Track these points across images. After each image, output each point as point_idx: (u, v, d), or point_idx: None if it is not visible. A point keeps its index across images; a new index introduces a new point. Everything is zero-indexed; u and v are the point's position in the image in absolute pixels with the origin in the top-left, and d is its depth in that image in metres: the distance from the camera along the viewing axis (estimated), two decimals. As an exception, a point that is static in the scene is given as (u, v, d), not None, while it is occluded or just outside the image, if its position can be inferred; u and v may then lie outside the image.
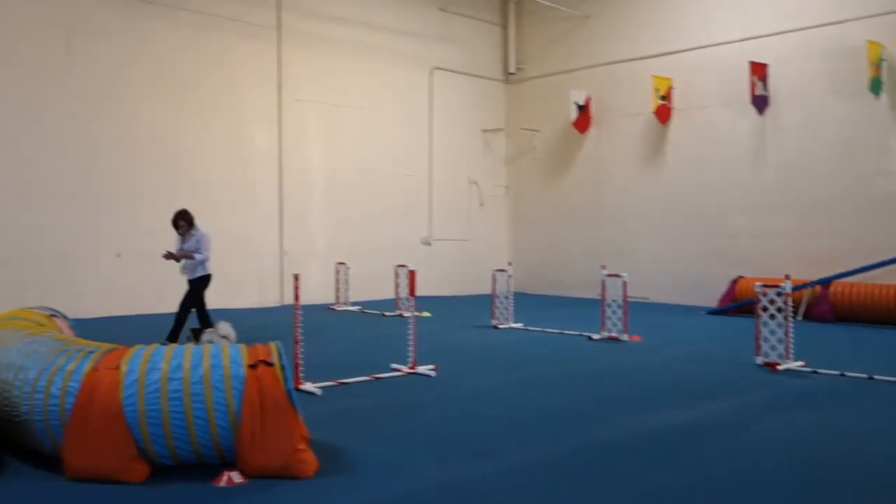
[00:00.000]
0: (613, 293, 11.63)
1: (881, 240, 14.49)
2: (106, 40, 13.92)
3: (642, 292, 17.43)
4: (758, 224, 16.38)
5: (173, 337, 9.45)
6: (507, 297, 12.97)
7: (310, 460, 4.88)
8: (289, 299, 15.48)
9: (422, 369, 8.46)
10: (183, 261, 9.82)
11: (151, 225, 12.68)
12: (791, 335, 9.09)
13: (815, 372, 8.80)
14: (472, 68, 20.23)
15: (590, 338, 11.48)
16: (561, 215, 20.23)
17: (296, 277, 7.88)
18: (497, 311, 12.98)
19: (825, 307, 14.22)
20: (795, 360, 9.13)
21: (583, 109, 19.20)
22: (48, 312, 7.32)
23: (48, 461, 4.93)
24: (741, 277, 15.71)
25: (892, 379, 8.41)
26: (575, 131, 19.49)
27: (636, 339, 11.33)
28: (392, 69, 18.42)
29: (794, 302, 13.44)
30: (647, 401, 7.31)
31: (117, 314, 13.48)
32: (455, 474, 4.96)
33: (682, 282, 17.47)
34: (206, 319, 9.91)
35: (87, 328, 8.66)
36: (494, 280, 13.06)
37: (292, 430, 4.86)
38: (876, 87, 14.37)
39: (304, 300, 8.09)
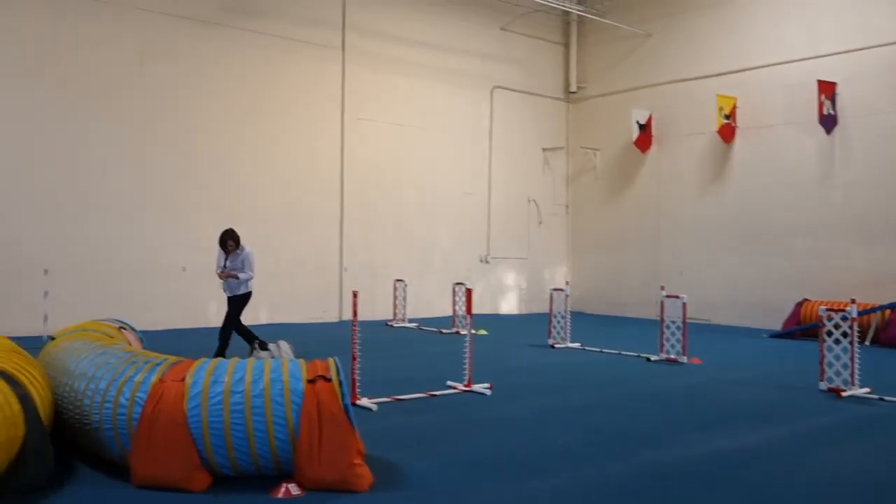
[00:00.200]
0: (673, 314, 11.49)
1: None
2: (176, 61, 14.43)
3: (703, 314, 17.16)
4: (824, 245, 15.98)
5: (221, 354, 9.60)
6: (564, 317, 12.92)
7: (365, 475, 4.97)
8: (347, 315, 15.69)
9: (477, 387, 8.50)
10: (227, 280, 9.96)
11: (215, 241, 13.02)
12: (857, 361, 8.86)
13: (881, 399, 8.55)
14: (532, 87, 20.29)
15: (648, 359, 11.36)
16: (621, 234, 20.07)
17: (354, 294, 8.01)
18: (554, 331, 12.94)
19: (894, 332, 13.78)
20: (861, 386, 8.87)
21: (644, 128, 19.06)
22: (118, 324, 7.62)
23: (116, 468, 5.12)
24: (806, 300, 15.34)
25: None
26: (636, 150, 19.36)
27: (696, 361, 11.17)
28: (453, 88, 18.61)
29: (861, 326, 13.11)
30: (705, 424, 7.22)
31: (182, 327, 13.87)
32: (508, 493, 4.99)
33: (745, 304, 17.13)
34: (247, 334, 10.07)
35: (154, 340, 8.96)
36: (552, 299, 13.03)
37: (349, 445, 4.96)
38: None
39: (362, 316, 8.21)
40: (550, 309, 13.08)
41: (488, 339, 13.67)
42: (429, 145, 18.14)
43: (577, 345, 12.74)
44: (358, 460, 5.01)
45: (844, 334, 8.86)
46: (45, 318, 11.65)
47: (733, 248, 17.57)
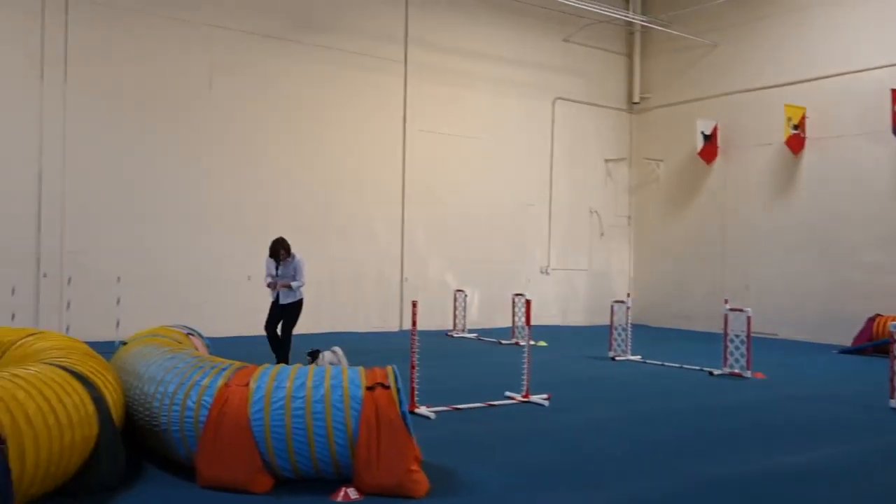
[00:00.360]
0: (737, 328, 11.28)
1: None
2: (244, 76, 14.84)
3: (770, 328, 16.78)
4: (896, 259, 15.52)
5: (284, 360, 9.80)
6: (625, 329, 12.82)
7: (422, 481, 5.05)
8: (408, 325, 15.77)
9: (535, 398, 8.52)
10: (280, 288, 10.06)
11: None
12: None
13: (955, 418, 8.28)
14: (595, 98, 20.21)
15: (710, 373, 11.19)
16: (684, 247, 19.78)
17: (414, 304, 8.11)
18: (615, 343, 12.84)
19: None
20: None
21: (709, 139, 18.79)
22: (186, 331, 7.88)
23: (183, 469, 5.31)
24: (878, 315, 14.87)
25: None
26: (700, 161, 19.09)
27: (760, 376, 10.95)
28: (514, 100, 18.67)
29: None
30: (766, 440, 7.10)
31: (247, 334, 14.19)
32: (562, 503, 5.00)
33: (814, 318, 16.68)
34: (275, 343, 10.16)
35: (220, 346, 9.22)
36: (613, 311, 12.94)
37: (406, 451, 5.05)
38: None
39: (422, 326, 8.31)
40: (611, 321, 12.98)
41: (548, 350, 13.64)
42: (490, 157, 18.22)
43: (638, 357, 12.61)
44: (415, 466, 5.09)
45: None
46: (118, 324, 12.09)
47: (802, 261, 17.15)
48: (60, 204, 13.00)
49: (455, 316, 16.07)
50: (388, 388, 5.15)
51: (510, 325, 15.49)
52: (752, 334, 11.22)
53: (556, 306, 19.14)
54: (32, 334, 6.87)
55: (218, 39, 14.56)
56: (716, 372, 11.19)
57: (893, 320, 9.08)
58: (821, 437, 7.36)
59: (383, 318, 16.52)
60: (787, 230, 17.48)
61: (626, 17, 18.67)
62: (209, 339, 8.29)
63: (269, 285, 10.12)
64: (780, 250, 17.60)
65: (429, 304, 15.60)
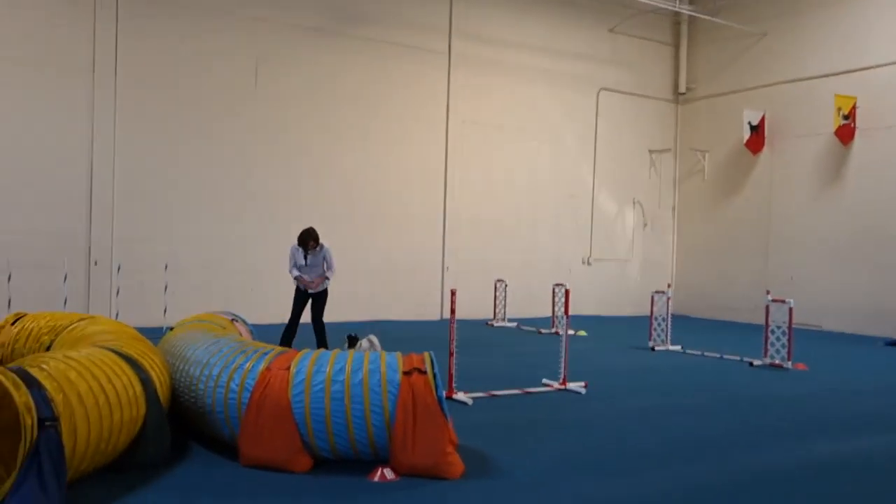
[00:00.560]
0: (779, 319, 11.17)
1: None
2: (288, 68, 15.07)
3: (815, 319, 16.54)
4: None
5: (323, 345, 9.88)
6: (665, 320, 12.78)
7: (457, 463, 5.17)
8: (448, 314, 15.96)
9: (572, 386, 8.57)
10: (310, 276, 10.03)
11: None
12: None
13: None
14: (640, 88, 20.05)
15: (751, 364, 11.11)
16: (729, 238, 19.57)
17: (453, 293, 8.22)
18: (654, 333, 12.81)
19: None
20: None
21: (756, 130, 18.53)
22: (230, 317, 8.11)
23: (226, 449, 5.50)
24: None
25: None
26: (747, 152, 18.84)
27: (801, 367, 10.84)
28: (558, 91, 18.62)
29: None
30: (803, 431, 7.05)
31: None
32: (595, 490, 5.07)
33: (860, 310, 16.41)
34: (294, 330, 10.18)
35: (263, 333, 9.44)
36: (653, 301, 12.90)
37: (442, 434, 5.16)
38: None
39: (462, 315, 8.41)
40: (651, 311, 12.95)
41: (587, 339, 13.66)
42: (533, 147, 18.23)
43: (677, 348, 12.56)
44: (450, 449, 5.21)
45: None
46: (165, 311, 12.43)
47: (848, 253, 16.86)
48: (110, 194, 13.40)
49: (495, 305, 16.15)
50: (424, 373, 5.26)
51: (550, 314, 15.52)
52: (795, 326, 11.11)
53: (598, 297, 19.09)
54: (84, 319, 7.14)
55: (263, 32, 14.80)
56: (756, 362, 11.12)
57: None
58: (862, 428, 7.29)
59: (424, 307, 16.66)
60: (834, 221, 17.18)
61: (672, 7, 18.47)
62: (253, 325, 8.50)
63: (296, 278, 10.05)
64: (826, 242, 17.31)
65: (469, 294, 15.67)
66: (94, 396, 4.63)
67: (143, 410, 5.11)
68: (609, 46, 19.43)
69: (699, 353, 12.19)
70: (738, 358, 11.57)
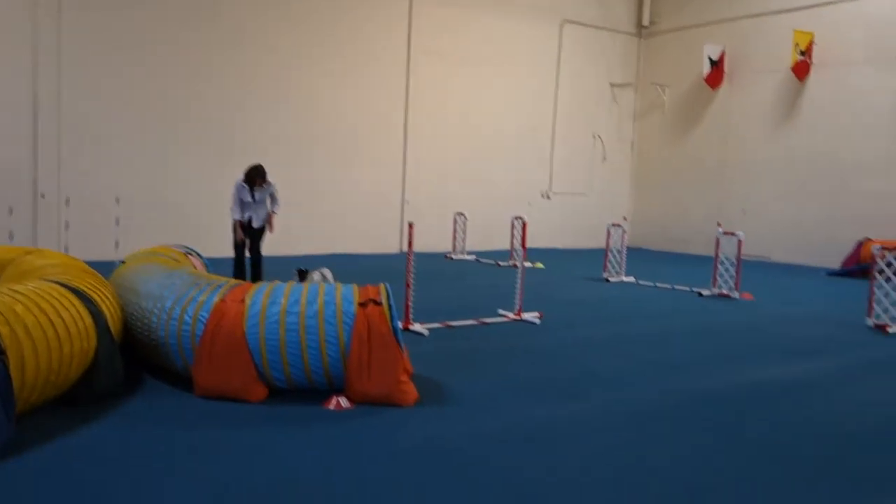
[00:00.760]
0: (729, 251, 11.42)
1: None
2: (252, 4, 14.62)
3: (766, 252, 16.93)
4: (893, 187, 15.54)
5: (258, 278, 9.70)
6: (619, 252, 12.96)
7: (410, 391, 5.25)
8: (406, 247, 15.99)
9: (527, 316, 8.70)
10: (255, 212, 9.78)
11: (286, 172, 13.36)
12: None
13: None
14: (603, 21, 19.88)
15: (699, 294, 11.38)
16: (685, 172, 19.78)
17: (410, 225, 8.21)
18: (609, 265, 12.99)
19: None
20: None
21: (716, 65, 18.58)
22: (184, 250, 8.00)
23: (180, 380, 5.50)
24: (868, 240, 15.01)
25: None
26: (706, 87, 18.92)
27: (748, 296, 11.14)
28: (521, 23, 18.38)
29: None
30: (747, 357, 7.32)
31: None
32: (545, 413, 5.20)
33: (807, 242, 16.84)
34: (243, 263, 10.00)
35: (218, 266, 9.35)
36: (608, 234, 13.05)
37: (396, 364, 5.22)
38: None
39: (421, 248, 8.44)
40: (607, 244, 13.12)
41: (545, 271, 13.81)
42: (494, 80, 18.07)
43: (631, 279, 12.79)
44: (404, 378, 5.28)
45: (897, 272, 8.82)
46: (117, 244, 12.24)
47: (799, 186, 17.19)
48: (56, 124, 12.98)
49: (454, 238, 16.20)
50: (380, 304, 5.29)
51: (509, 247, 15.63)
52: (746, 257, 11.38)
53: (556, 230, 19.26)
54: (30, 253, 7.00)
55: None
56: (705, 293, 11.38)
57: (880, 244, 9.24)
58: (800, 352, 7.59)
59: (382, 240, 16.66)
60: (787, 157, 17.45)
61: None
62: (207, 259, 8.41)
63: (235, 224, 9.70)
64: (779, 176, 17.60)
65: (428, 227, 15.72)
66: (42, 329, 4.57)
67: (94, 343, 5.06)
68: (572, -23, 19.20)
69: (652, 284, 12.43)
70: (688, 289, 11.83)
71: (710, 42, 18.58)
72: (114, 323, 5.48)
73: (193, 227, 13.82)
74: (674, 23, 20.10)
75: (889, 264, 8.89)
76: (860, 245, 15.11)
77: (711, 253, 11.92)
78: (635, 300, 10.86)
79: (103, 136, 13.39)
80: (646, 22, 20.53)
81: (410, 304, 7.88)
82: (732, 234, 11.37)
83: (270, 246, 13.86)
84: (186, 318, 5.38)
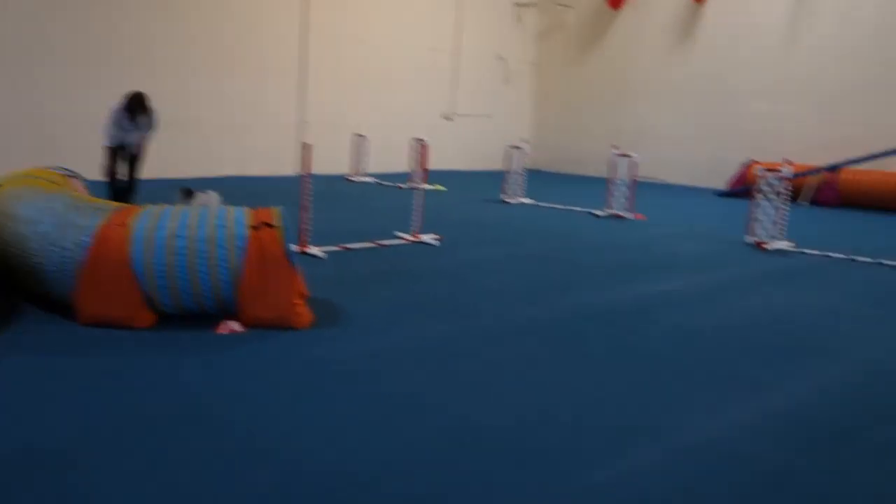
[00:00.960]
0: (624, 173, 11.76)
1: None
2: None
3: (661, 173, 17.45)
4: (783, 109, 16.18)
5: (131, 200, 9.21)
6: (518, 174, 13.12)
7: (304, 314, 5.24)
8: (304, 169, 15.70)
9: (426, 238, 8.76)
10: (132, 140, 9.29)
11: (176, 93, 12.79)
12: (784, 218, 9.44)
13: (801, 252, 9.18)
14: (505, -61, 19.59)
15: (594, 215, 11.71)
16: (586, 94, 20.02)
17: (307, 146, 8.05)
18: (509, 187, 13.15)
19: (831, 193, 14.27)
20: (785, 240, 9.42)
21: (618, -14, 18.68)
22: (65, 173, 7.62)
23: (61, 307, 5.31)
24: (753, 161, 15.69)
25: (870, 260, 8.83)
26: (608, 9, 19.01)
27: (640, 217, 11.54)
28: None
29: (800, 187, 13.59)
30: (635, 273, 7.68)
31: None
32: (437, 331, 5.32)
33: (699, 164, 17.47)
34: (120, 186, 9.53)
35: (100, 189, 8.97)
36: (508, 156, 13.18)
37: (289, 287, 5.19)
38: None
39: (320, 170, 8.32)
40: (507, 166, 13.25)
41: (446, 194, 13.88)
42: (394, -2, 17.65)
43: (530, 201, 13.01)
44: (298, 301, 5.26)
45: (777, 193, 9.31)
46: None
47: (695, 109, 17.70)
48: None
49: (354, 160, 16.00)
50: (273, 227, 5.22)
51: (410, 170, 15.56)
52: (641, 179, 11.73)
53: (460, 151, 19.27)
54: None
55: None
56: (599, 214, 11.73)
57: (763, 166, 9.77)
58: (685, 268, 8.07)
59: (280, 162, 16.28)
60: (684, 79, 17.87)
61: None
62: (90, 181, 8.05)
63: (110, 150, 9.14)
64: (676, 98, 18.05)
65: (328, 149, 15.39)
66: None
67: (-34, 270, 4.82)
68: None
69: (549, 205, 12.69)
70: (584, 210, 12.15)
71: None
72: (-13, 249, 5.22)
73: (71, 148, 13.08)
74: (579, -59, 20.02)
75: (769, 185, 9.36)
76: (746, 166, 15.77)
77: (607, 174, 12.24)
78: (532, 221, 11.08)
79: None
80: (550, -60, 20.37)
81: (308, 227, 7.80)
82: (627, 155, 11.67)
83: (152, 168, 13.33)
84: (67, 244, 5.17)
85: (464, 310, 5.94)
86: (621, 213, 11.54)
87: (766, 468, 3.41)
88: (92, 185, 7.91)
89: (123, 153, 9.32)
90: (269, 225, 5.25)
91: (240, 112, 15.39)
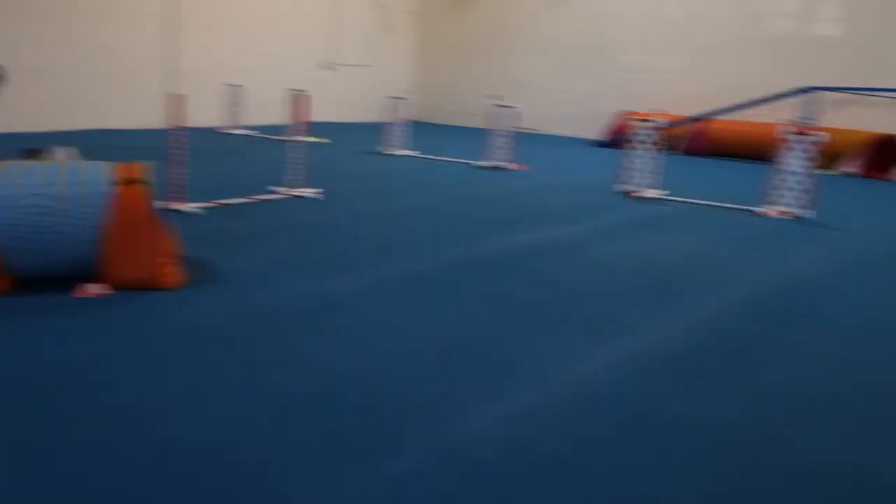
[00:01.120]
0: (506, 124, 11.87)
1: (765, 80, 15.01)
2: None
3: (541, 124, 17.72)
4: (654, 61, 16.70)
5: None
6: (401, 125, 13.03)
7: (173, 273, 5.05)
8: (175, 121, 15.04)
9: (306, 192, 8.60)
10: None
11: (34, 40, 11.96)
12: (656, 167, 9.81)
13: (670, 200, 9.61)
14: None
15: (476, 166, 11.81)
16: (468, 44, 20.00)
17: (176, 96, 7.70)
18: (390, 139, 13.05)
19: (701, 143, 14.93)
20: (655, 189, 9.80)
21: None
22: None
23: None
24: (628, 112, 16.16)
25: (734, 206, 9.34)
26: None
27: (523, 167, 11.73)
28: None
29: (673, 137, 14.13)
30: (509, 223, 7.84)
31: (5, 130, 12.93)
32: (313, 286, 5.25)
33: (578, 115, 17.85)
34: None
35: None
36: (389, 107, 13.05)
37: (156, 245, 4.99)
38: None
39: (193, 122, 7.99)
40: (388, 117, 13.12)
41: (328, 146, 13.63)
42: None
43: (413, 153, 12.96)
44: (166, 260, 5.06)
45: (650, 143, 9.67)
46: None
47: (572, 61, 18.01)
48: None
49: (230, 112, 15.45)
50: (139, 183, 4.97)
51: (289, 122, 15.14)
52: (523, 130, 11.89)
53: (341, 102, 18.92)
54: None
55: None
56: (481, 164, 11.84)
57: (633, 116, 10.15)
58: (561, 217, 8.31)
59: (147, 114, 15.52)
60: (562, 31, 18.12)
61: None
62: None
63: None
64: (554, 50, 18.30)
65: (202, 100, 14.81)
66: None
67: None
68: None
69: (432, 157, 12.69)
70: (465, 161, 12.23)
71: None
72: None
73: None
74: None
75: (639, 134, 9.71)
76: (621, 118, 16.23)
77: (490, 126, 12.33)
78: (415, 174, 11.05)
79: None
80: None
81: (183, 183, 7.49)
82: (508, 106, 11.78)
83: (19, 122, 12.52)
84: None
85: (345, 265, 5.88)
86: (502, 165, 11.68)
87: (634, 406, 3.56)
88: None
89: None
90: (132, 181, 5.00)
91: (95, 58, 14.45)
